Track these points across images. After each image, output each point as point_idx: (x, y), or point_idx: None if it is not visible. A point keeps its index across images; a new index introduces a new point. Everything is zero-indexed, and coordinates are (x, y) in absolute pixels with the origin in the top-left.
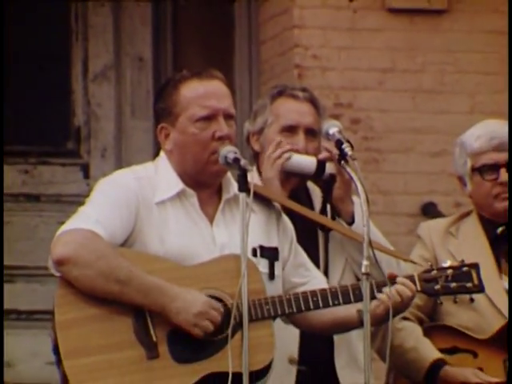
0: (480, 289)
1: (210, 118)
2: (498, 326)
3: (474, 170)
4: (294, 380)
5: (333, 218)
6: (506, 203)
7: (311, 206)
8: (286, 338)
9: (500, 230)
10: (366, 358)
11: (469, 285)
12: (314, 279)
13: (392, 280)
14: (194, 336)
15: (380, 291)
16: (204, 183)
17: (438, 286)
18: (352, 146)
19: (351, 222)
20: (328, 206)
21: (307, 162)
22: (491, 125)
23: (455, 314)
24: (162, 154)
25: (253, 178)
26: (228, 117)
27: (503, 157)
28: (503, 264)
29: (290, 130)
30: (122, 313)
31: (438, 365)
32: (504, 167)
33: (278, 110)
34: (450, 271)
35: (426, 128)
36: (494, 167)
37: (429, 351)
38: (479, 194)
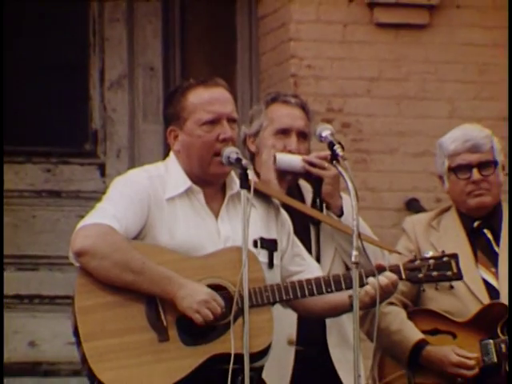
0: (459, 277)
1: (214, 122)
2: (474, 311)
3: (450, 169)
4: (292, 359)
5: (322, 211)
6: (478, 199)
7: (303, 202)
8: (285, 322)
9: (476, 224)
10: (356, 339)
11: (449, 273)
12: (309, 268)
13: (379, 270)
14: (194, 322)
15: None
16: (209, 181)
17: (421, 275)
18: (343, 148)
19: (340, 214)
20: (318, 201)
21: (293, 160)
22: (466, 129)
23: (436, 299)
24: (171, 154)
25: (253, 176)
26: (231, 120)
27: (476, 158)
28: (479, 255)
29: (284, 132)
30: (136, 300)
31: (420, 345)
32: (476, 167)
33: (272, 115)
34: (431, 261)
35: (409, 131)
36: (468, 167)
37: (412, 333)
38: (455, 192)
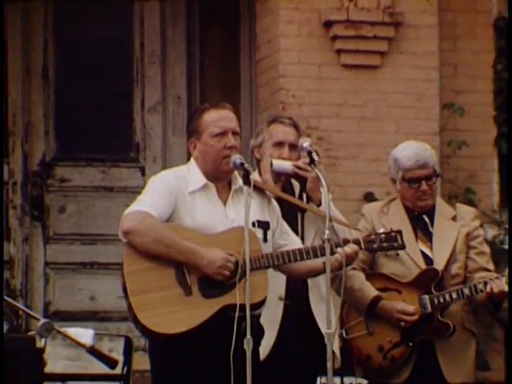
0: (403, 247)
1: (222, 134)
2: (415, 274)
3: (403, 179)
4: (281, 311)
5: (307, 202)
6: (425, 203)
7: (293, 195)
8: (276, 282)
9: (416, 212)
10: (327, 294)
11: (395, 244)
12: (292, 242)
13: (345, 242)
14: (215, 280)
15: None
16: (219, 178)
17: (375, 245)
18: (318, 155)
19: (319, 204)
20: (304, 195)
21: (284, 165)
22: (417, 149)
23: (386, 265)
24: (191, 159)
25: (254, 176)
26: (235, 133)
27: (424, 172)
28: (419, 233)
29: (279, 145)
30: (167, 266)
31: (376, 299)
32: (424, 180)
33: (271, 131)
34: (383, 235)
35: (366, 143)
36: (418, 180)
37: (370, 290)
38: (406, 195)
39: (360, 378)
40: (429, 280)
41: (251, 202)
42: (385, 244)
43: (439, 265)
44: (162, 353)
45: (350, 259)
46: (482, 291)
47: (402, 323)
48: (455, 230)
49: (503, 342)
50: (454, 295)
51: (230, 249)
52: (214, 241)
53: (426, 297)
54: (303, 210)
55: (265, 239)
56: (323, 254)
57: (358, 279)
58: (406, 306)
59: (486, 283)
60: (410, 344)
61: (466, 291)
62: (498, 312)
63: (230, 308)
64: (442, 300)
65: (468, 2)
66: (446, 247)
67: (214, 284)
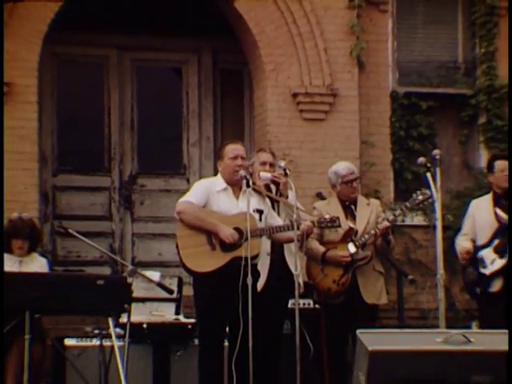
0: (339, 225)
1: (235, 158)
2: (342, 234)
3: (342, 182)
4: (268, 261)
5: (280, 197)
6: (354, 195)
7: (271, 192)
8: (265, 244)
9: (347, 203)
10: (296, 253)
11: (335, 224)
12: (276, 221)
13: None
14: (227, 243)
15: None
16: (233, 184)
17: (323, 225)
18: (289, 170)
19: (287, 198)
20: (278, 193)
21: (267, 176)
22: (347, 164)
23: (330, 235)
24: (218, 173)
25: (252, 184)
26: (242, 158)
27: (353, 177)
28: (348, 215)
29: (264, 164)
30: (202, 233)
31: (325, 252)
32: (354, 181)
33: (259, 156)
34: (328, 219)
35: (318, 163)
36: (351, 181)
37: (320, 248)
38: (344, 192)
39: (309, 299)
40: (349, 236)
41: (252, 198)
42: (329, 224)
43: (360, 232)
44: (199, 284)
45: (309, 232)
46: (377, 228)
47: (343, 263)
48: (369, 212)
49: (395, 277)
50: (366, 236)
51: (239, 224)
52: (229, 220)
53: (351, 244)
54: (278, 202)
55: (260, 219)
56: (293, 228)
57: (314, 243)
58: (342, 252)
59: (377, 223)
60: (349, 272)
61: (372, 231)
62: (389, 247)
63: (238, 258)
64: (359, 242)
65: (375, 82)
66: (363, 222)
67: (227, 245)
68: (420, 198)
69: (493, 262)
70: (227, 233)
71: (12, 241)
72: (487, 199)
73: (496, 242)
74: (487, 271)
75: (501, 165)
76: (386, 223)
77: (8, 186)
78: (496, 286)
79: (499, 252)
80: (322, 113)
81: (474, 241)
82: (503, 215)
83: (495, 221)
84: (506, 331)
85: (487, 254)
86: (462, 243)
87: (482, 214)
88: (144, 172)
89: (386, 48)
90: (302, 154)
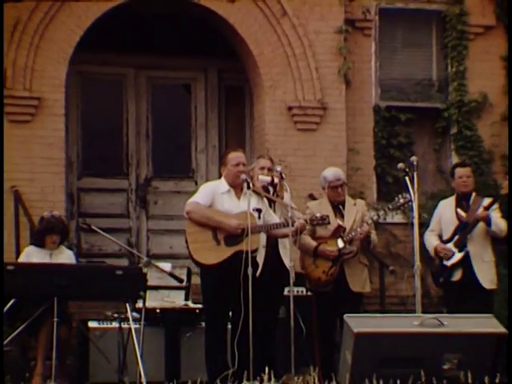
0: (329, 223)
1: (237, 164)
2: (332, 231)
3: (329, 187)
4: (264, 252)
5: (277, 197)
6: (340, 198)
7: (269, 193)
8: (263, 239)
9: (336, 203)
10: (290, 247)
11: (325, 222)
12: (273, 219)
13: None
14: (233, 235)
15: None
16: (235, 186)
17: (315, 222)
18: (285, 174)
19: (282, 199)
20: (275, 193)
21: (265, 179)
22: (334, 170)
23: (321, 231)
24: (222, 177)
25: (252, 186)
26: (243, 164)
27: (340, 183)
28: (337, 214)
29: (262, 168)
30: (208, 229)
31: (316, 247)
32: (340, 186)
33: (258, 162)
34: (319, 217)
35: (310, 168)
36: (337, 186)
37: (312, 243)
38: (332, 195)
39: (302, 287)
40: (338, 232)
41: (251, 199)
42: (320, 222)
43: (348, 229)
44: (205, 274)
45: (302, 229)
46: (359, 231)
47: (331, 257)
48: (355, 211)
49: (378, 268)
50: (353, 233)
51: (242, 222)
52: (232, 218)
53: (340, 239)
54: (274, 202)
55: (259, 217)
56: (288, 226)
57: (307, 239)
58: (331, 247)
59: (360, 227)
60: (337, 264)
61: (358, 229)
62: (369, 246)
63: (240, 252)
64: (347, 238)
65: (359, 97)
66: (350, 220)
67: (231, 239)
68: (401, 201)
69: (453, 254)
70: (233, 226)
71: (46, 236)
72: (452, 200)
73: (456, 237)
74: (448, 263)
75: (459, 172)
76: (366, 227)
77: (38, 188)
78: (456, 275)
79: (459, 246)
80: (313, 124)
81: (440, 236)
82: (463, 214)
83: (456, 219)
84: (474, 315)
85: (449, 247)
86: (430, 238)
87: (446, 213)
88: (157, 175)
89: (369, 67)
90: (296, 160)
